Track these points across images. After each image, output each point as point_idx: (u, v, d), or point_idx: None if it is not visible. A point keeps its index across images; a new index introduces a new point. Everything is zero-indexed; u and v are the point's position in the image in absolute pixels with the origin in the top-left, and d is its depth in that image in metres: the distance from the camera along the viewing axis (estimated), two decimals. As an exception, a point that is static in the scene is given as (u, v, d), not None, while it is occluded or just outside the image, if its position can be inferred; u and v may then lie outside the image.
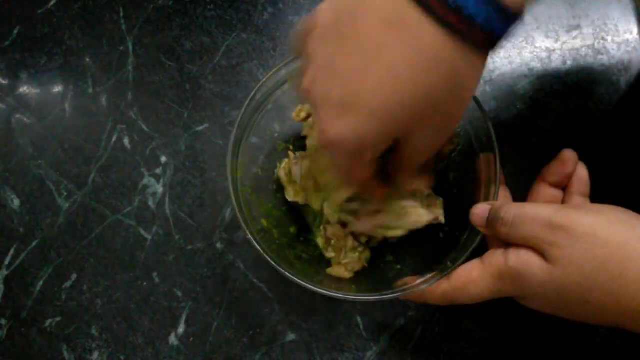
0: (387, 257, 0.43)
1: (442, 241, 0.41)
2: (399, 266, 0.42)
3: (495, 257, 0.34)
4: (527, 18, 0.51)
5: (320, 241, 0.42)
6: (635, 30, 0.50)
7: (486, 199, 0.38)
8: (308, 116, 0.43)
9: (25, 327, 0.46)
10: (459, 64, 0.27)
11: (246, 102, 0.39)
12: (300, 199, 0.43)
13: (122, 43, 0.52)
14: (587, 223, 0.31)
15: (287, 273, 0.36)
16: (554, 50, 0.50)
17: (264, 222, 0.42)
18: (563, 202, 0.39)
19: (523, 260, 0.33)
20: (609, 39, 0.50)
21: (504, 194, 0.39)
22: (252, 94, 0.40)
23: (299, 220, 0.44)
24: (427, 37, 0.26)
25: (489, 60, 0.50)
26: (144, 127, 0.50)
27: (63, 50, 0.52)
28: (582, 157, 0.38)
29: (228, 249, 0.47)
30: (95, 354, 0.46)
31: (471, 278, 0.35)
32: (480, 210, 0.36)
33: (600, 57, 0.50)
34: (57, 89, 0.51)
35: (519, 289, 0.33)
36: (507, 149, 0.46)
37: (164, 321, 0.46)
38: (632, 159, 0.47)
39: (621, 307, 0.30)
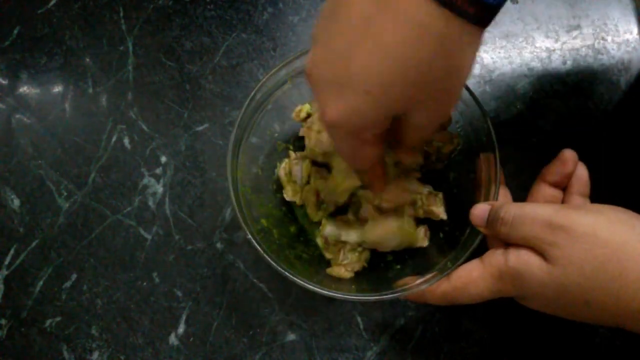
0: (387, 257, 0.43)
1: (442, 241, 0.41)
2: (399, 266, 0.42)
3: (495, 257, 0.34)
4: (527, 18, 0.51)
5: (320, 241, 0.42)
6: (635, 30, 0.50)
7: (486, 199, 0.38)
8: (308, 116, 0.43)
9: (25, 327, 0.46)
10: (451, 38, 0.26)
11: (246, 102, 0.39)
12: (297, 199, 0.43)
13: (122, 43, 0.52)
14: (587, 223, 0.31)
15: (287, 273, 0.36)
16: (554, 50, 0.50)
17: (264, 222, 0.42)
18: (563, 202, 0.39)
19: (523, 260, 0.33)
20: (609, 39, 0.50)
21: (504, 194, 0.39)
22: (252, 94, 0.40)
23: (299, 220, 0.44)
24: (415, 10, 0.25)
25: (489, 60, 0.50)
26: (144, 127, 0.50)
27: (63, 50, 0.52)
28: (582, 157, 0.38)
29: (228, 249, 0.47)
30: (95, 354, 0.46)
31: (471, 278, 0.35)
32: (480, 210, 0.36)
33: (600, 57, 0.50)
34: (57, 89, 0.51)
35: (519, 289, 0.34)
36: (507, 149, 0.46)
37: (164, 321, 0.46)
38: (632, 159, 0.47)
39: (621, 307, 0.30)
